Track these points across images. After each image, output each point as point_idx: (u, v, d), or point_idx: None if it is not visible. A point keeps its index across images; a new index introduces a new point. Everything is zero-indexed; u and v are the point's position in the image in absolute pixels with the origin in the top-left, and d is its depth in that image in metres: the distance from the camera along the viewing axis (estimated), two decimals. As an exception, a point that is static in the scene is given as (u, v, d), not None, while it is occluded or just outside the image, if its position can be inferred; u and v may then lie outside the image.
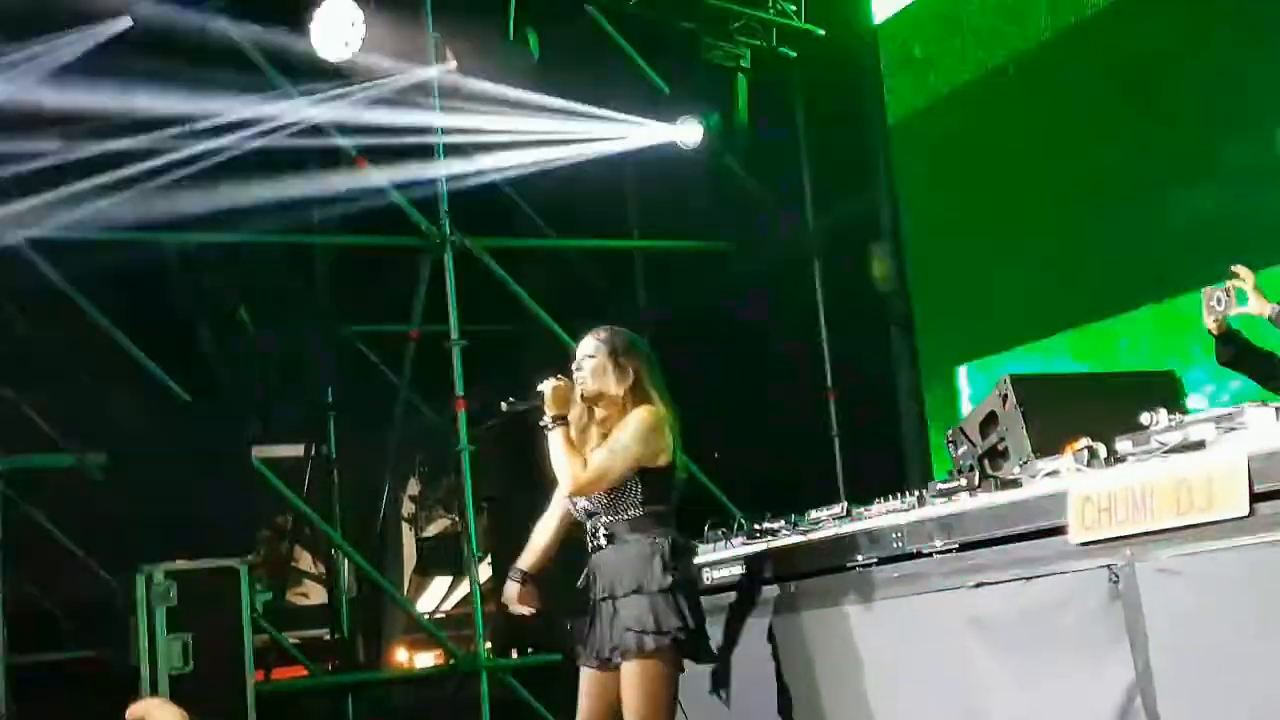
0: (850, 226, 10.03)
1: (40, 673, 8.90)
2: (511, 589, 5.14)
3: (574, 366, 5.01)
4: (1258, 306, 5.14)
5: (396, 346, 9.52)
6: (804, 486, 9.47)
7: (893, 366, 9.64)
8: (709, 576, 5.62)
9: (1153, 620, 3.81)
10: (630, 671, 4.73)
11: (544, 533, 5.21)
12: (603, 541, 4.89)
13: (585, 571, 5.01)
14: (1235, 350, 5.43)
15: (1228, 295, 5.19)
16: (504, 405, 5.07)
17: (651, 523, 4.85)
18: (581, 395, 4.95)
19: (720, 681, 5.47)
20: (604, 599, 4.85)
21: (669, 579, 4.74)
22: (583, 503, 4.93)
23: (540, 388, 4.87)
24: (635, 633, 4.71)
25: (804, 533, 5.31)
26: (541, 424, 4.83)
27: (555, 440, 4.81)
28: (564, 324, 9.95)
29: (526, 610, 5.13)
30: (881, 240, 9.61)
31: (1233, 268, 5.37)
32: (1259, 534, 3.53)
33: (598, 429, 4.97)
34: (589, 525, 4.96)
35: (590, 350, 5.00)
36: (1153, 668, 3.82)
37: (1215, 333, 5.34)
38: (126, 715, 2.54)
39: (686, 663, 4.91)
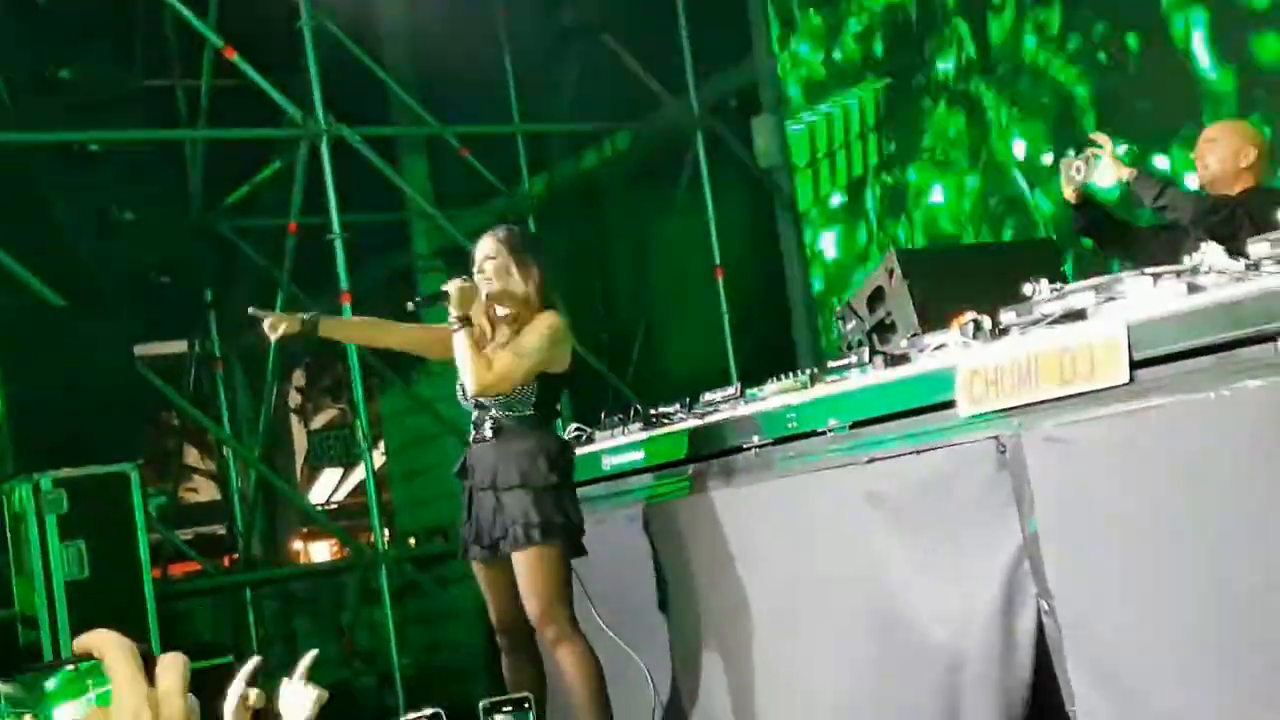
0: (733, 100, 9.99)
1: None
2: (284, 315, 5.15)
3: (475, 269, 4.99)
4: (1115, 172, 5.24)
5: (276, 241, 9.37)
6: (696, 368, 9.53)
7: (780, 243, 9.67)
8: (607, 463, 5.67)
9: (1039, 488, 3.91)
10: (521, 560, 4.82)
11: (370, 325, 5.58)
12: (489, 433, 4.93)
13: (461, 461, 5.06)
14: (1092, 219, 5.54)
15: (1086, 163, 5.27)
16: (410, 304, 5.04)
17: (539, 422, 4.92)
18: (486, 296, 4.95)
19: (617, 570, 5.54)
20: (484, 489, 4.91)
21: (554, 477, 4.83)
22: (475, 396, 4.95)
23: (445, 287, 4.84)
24: (521, 525, 4.80)
25: (699, 416, 5.36)
26: (447, 324, 4.81)
27: (459, 341, 4.80)
28: (446, 213, 9.87)
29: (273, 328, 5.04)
30: (763, 114, 9.58)
31: (1091, 135, 5.47)
32: (1138, 401, 3.64)
33: (507, 327, 4.97)
34: (476, 416, 4.99)
35: (490, 251, 4.97)
36: (1039, 533, 3.93)
37: (1074, 202, 5.44)
38: (74, 647, 2.51)
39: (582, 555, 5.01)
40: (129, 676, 1.09)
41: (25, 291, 7.07)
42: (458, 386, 5.08)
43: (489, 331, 5.02)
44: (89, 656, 1.11)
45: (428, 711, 2.46)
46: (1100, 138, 5.37)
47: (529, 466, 4.83)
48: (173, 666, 1.11)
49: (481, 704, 2.17)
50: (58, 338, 6.31)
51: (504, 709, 2.15)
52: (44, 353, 6.15)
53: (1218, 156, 5.28)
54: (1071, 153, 5.45)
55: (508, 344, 4.91)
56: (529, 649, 5.05)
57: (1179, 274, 3.66)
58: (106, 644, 1.10)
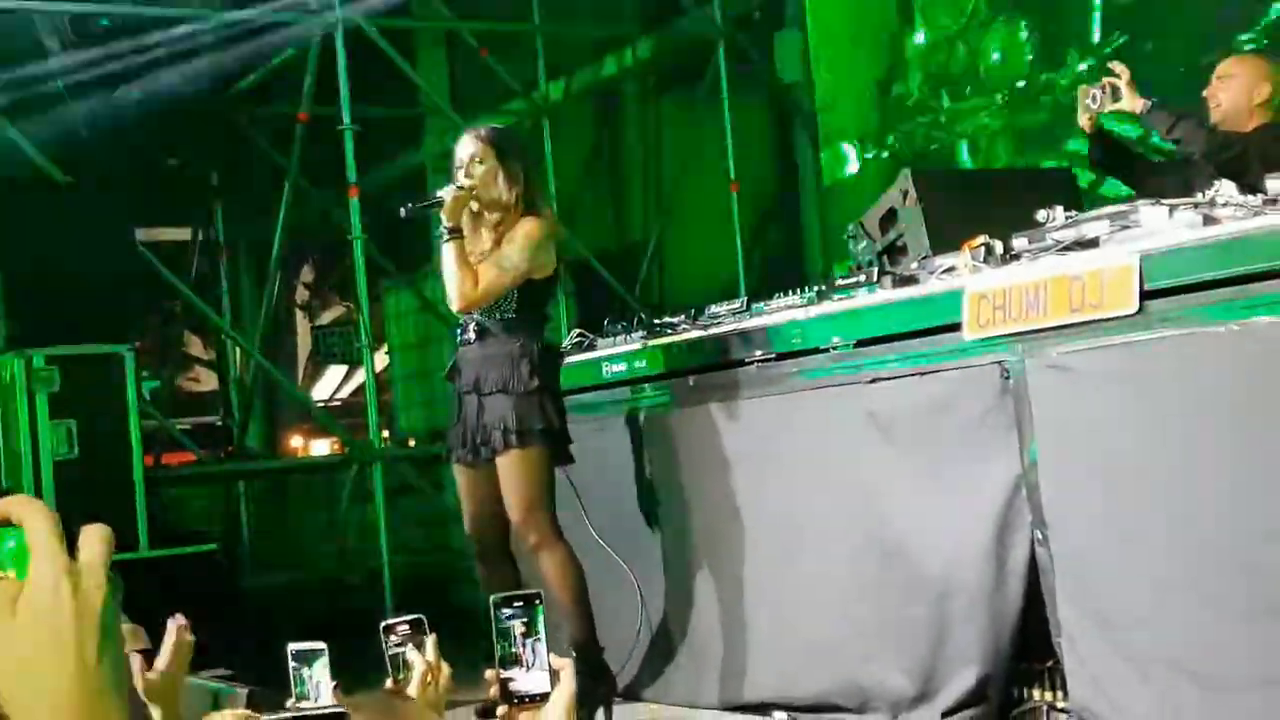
0: (757, 12, 9.83)
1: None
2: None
3: (459, 169, 4.89)
4: (1130, 102, 5.16)
5: (286, 129, 9.26)
6: (707, 282, 9.46)
7: (797, 159, 9.55)
8: (608, 370, 5.62)
9: (1041, 416, 3.86)
10: (504, 464, 4.80)
11: None
12: (472, 336, 4.90)
13: (451, 363, 5.02)
14: (1107, 149, 5.45)
15: (1103, 91, 5.20)
16: (403, 210, 4.95)
17: (523, 325, 4.86)
18: (480, 203, 4.87)
19: (613, 477, 5.51)
20: (468, 392, 4.88)
21: (535, 381, 4.77)
22: None
23: (439, 194, 4.75)
24: (501, 430, 4.76)
25: (704, 327, 5.31)
26: (437, 234, 4.73)
27: (448, 253, 4.74)
28: (461, 111, 9.75)
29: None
30: (786, 28, 9.43)
31: (1110, 64, 5.36)
32: (1146, 331, 3.57)
33: (488, 232, 4.89)
34: (462, 319, 4.94)
35: (478, 153, 4.88)
36: (1039, 463, 3.88)
37: (1089, 130, 5.35)
38: None
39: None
40: (49, 546, 1.02)
41: (28, 165, 7.00)
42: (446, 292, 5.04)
43: (479, 235, 4.94)
44: (6, 523, 1.04)
45: (409, 617, 2.40)
46: (1118, 66, 5.27)
47: (510, 371, 4.79)
48: (95, 538, 1.05)
49: (492, 598, 2.12)
50: (58, 214, 6.25)
51: (514, 603, 2.10)
52: (44, 228, 6.09)
53: (1230, 93, 5.17)
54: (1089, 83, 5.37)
55: (491, 250, 4.84)
56: (500, 557, 5.02)
57: (1195, 206, 3.58)
58: (27, 511, 1.03)
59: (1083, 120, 5.30)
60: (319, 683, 2.40)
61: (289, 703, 2.43)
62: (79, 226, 6.18)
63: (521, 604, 2.11)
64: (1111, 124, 5.57)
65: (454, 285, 4.75)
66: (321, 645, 2.43)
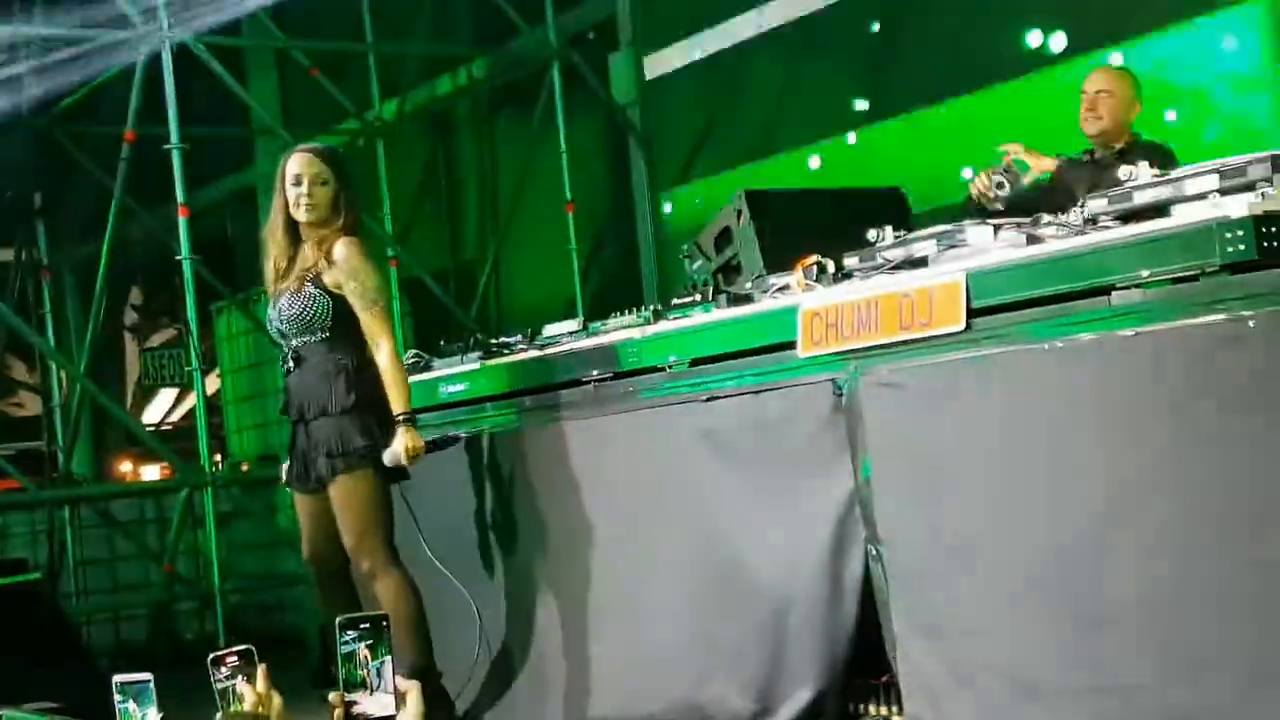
0: (591, 33, 9.88)
1: None
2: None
3: (295, 186, 4.81)
4: (1038, 165, 5.15)
5: (114, 149, 9.03)
6: (543, 303, 9.46)
7: (631, 180, 9.61)
8: (444, 391, 5.59)
9: (873, 432, 3.93)
10: (334, 489, 4.76)
11: None
12: (291, 364, 4.86)
13: (282, 396, 4.98)
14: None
15: (1008, 172, 5.04)
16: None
17: (338, 343, 4.79)
18: (308, 221, 4.81)
19: (450, 501, 5.46)
20: (297, 421, 4.86)
21: (352, 398, 4.72)
22: (275, 324, 4.86)
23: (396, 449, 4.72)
24: (327, 457, 4.73)
25: (540, 348, 5.30)
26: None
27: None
28: (292, 130, 9.62)
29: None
30: (621, 49, 9.49)
31: (998, 148, 5.28)
32: (973, 348, 3.66)
33: (312, 249, 4.82)
34: (283, 347, 4.90)
35: (322, 175, 4.82)
36: (872, 477, 3.94)
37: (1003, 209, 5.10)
38: None
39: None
40: None
41: None
42: (266, 317, 5.01)
43: (284, 258, 4.88)
44: None
45: (238, 648, 2.35)
46: (1008, 146, 5.20)
47: (327, 391, 4.74)
48: None
49: (337, 620, 2.09)
50: None
51: (360, 625, 2.07)
52: None
53: (1110, 110, 5.22)
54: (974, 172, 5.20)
55: (312, 267, 4.77)
56: (338, 583, 4.95)
57: (1019, 225, 3.68)
58: None
59: (996, 207, 4.98)
60: (145, 715, 2.34)
61: None
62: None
63: (368, 626, 2.08)
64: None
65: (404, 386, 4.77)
66: (148, 676, 2.37)
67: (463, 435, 5.38)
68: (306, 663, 6.16)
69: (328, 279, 4.76)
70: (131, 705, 2.37)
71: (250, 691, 2.29)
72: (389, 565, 4.79)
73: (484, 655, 5.33)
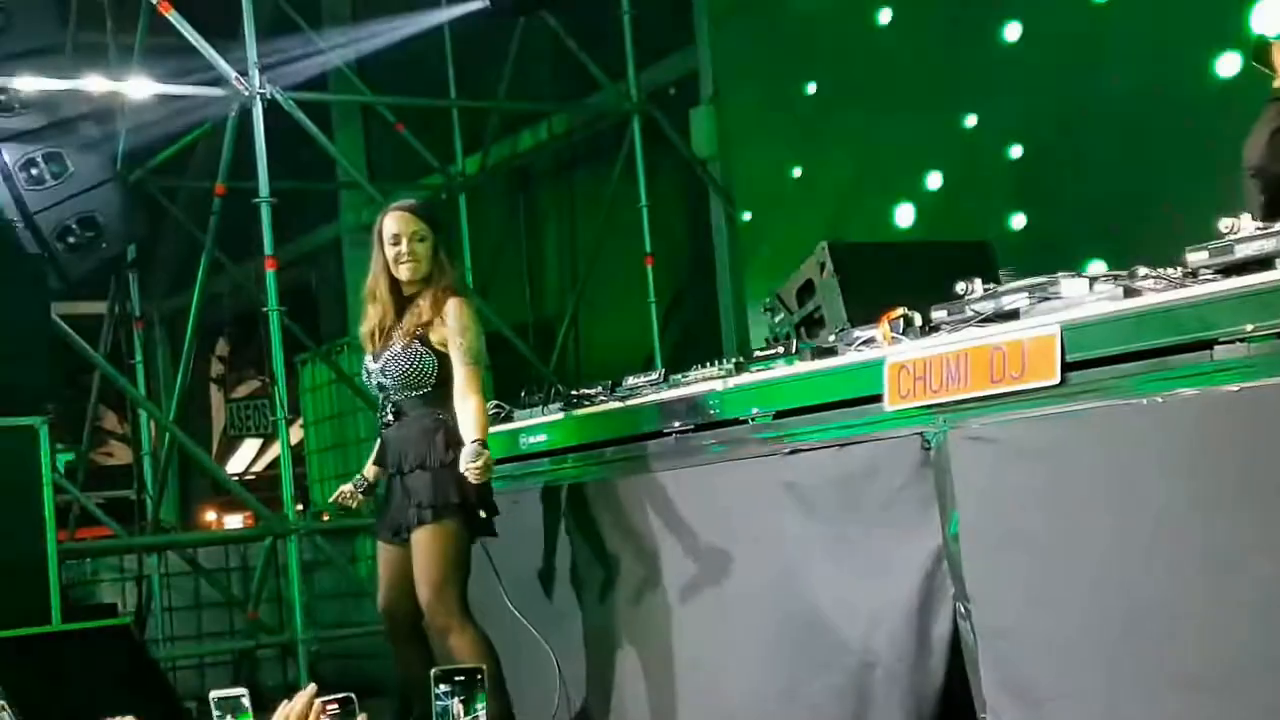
0: (672, 89, 9.94)
1: None
2: (347, 488, 5.14)
3: (394, 245, 4.89)
4: None
5: (204, 202, 9.20)
6: (622, 355, 9.48)
7: (710, 233, 9.63)
8: (524, 442, 5.60)
9: (962, 487, 3.87)
10: (417, 540, 4.79)
11: None
12: (390, 418, 4.93)
13: (376, 448, 5.04)
14: None
15: None
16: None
17: (438, 399, 4.85)
18: (408, 278, 4.90)
19: (529, 551, 5.47)
20: (393, 474, 4.91)
21: (451, 454, 4.77)
22: (376, 377, 4.91)
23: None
24: (417, 508, 4.77)
25: (621, 399, 5.30)
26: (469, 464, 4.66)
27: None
28: (378, 184, 9.75)
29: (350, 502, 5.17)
30: (703, 104, 9.53)
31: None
32: (1067, 403, 3.60)
33: (424, 304, 4.88)
34: (380, 399, 4.97)
35: (421, 232, 4.90)
36: (960, 534, 3.89)
37: None
38: None
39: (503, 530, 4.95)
40: None
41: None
42: (363, 369, 5.07)
43: (385, 313, 4.93)
44: None
45: (339, 695, 2.38)
46: None
47: (427, 447, 4.81)
48: None
49: (431, 672, 2.10)
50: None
51: (454, 679, 2.08)
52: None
53: None
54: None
55: (416, 330, 4.84)
56: (411, 634, 4.98)
57: (1115, 279, 3.63)
58: None
59: None
60: None
61: None
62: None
63: (461, 680, 2.09)
64: None
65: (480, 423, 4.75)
66: (243, 690, 2.43)
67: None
68: (387, 712, 6.18)
69: (434, 336, 4.85)
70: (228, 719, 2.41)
71: None
72: (463, 620, 4.81)
73: (563, 708, 5.32)
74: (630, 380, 5.39)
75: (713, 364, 5.02)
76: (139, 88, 8.59)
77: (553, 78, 10.63)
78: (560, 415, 5.52)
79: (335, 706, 2.33)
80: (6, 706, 2.92)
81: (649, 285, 9.56)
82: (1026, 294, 3.86)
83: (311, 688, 2.39)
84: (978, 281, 4.11)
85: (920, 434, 3.99)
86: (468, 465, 4.61)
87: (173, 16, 7.92)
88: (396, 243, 4.89)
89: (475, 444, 4.66)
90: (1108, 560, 3.52)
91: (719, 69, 9.42)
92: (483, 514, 4.84)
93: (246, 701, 2.42)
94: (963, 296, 4.10)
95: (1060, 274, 3.85)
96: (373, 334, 4.98)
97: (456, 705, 2.12)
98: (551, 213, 11.30)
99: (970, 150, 7.71)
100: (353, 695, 2.35)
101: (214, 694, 2.46)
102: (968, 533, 3.87)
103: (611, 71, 9.75)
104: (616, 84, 9.75)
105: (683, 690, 4.88)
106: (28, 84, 7.94)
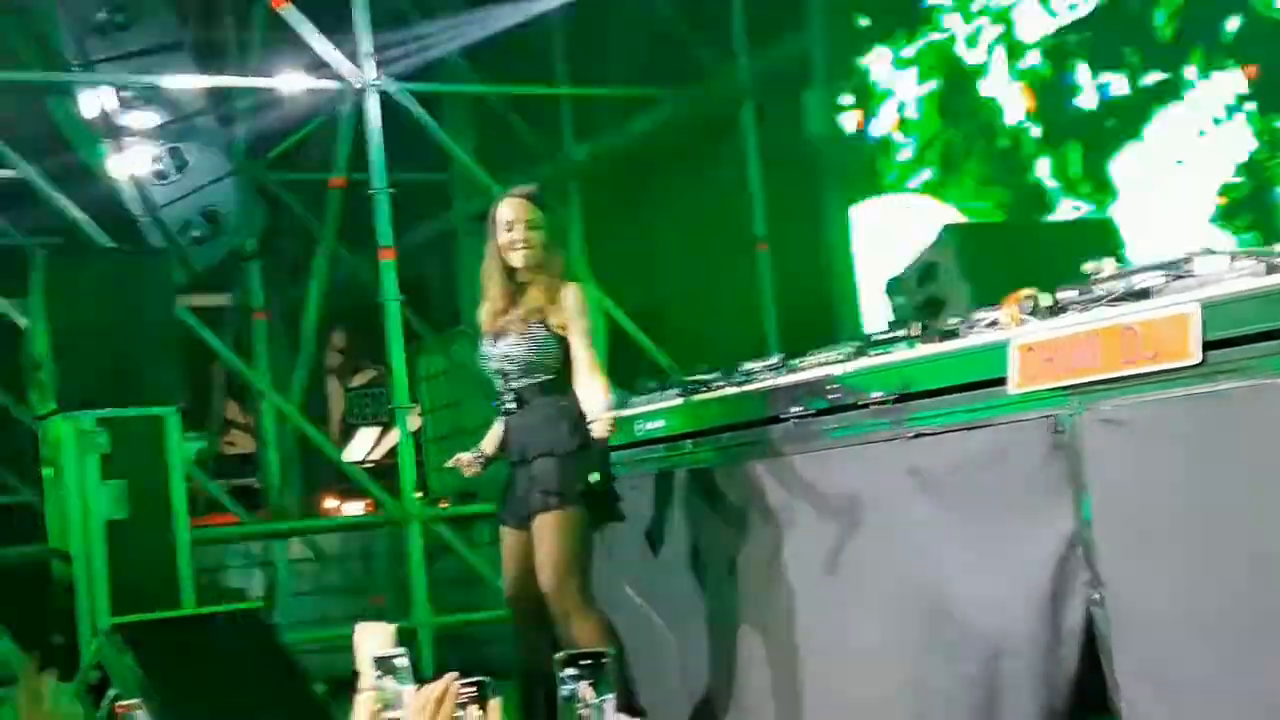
0: (783, 70, 9.87)
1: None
2: (465, 456, 5.11)
3: (509, 231, 4.91)
4: None
5: (320, 194, 9.33)
6: (734, 341, 9.44)
7: (823, 216, 9.55)
8: (641, 428, 5.60)
9: (1095, 471, 3.78)
10: (541, 525, 4.79)
11: None
12: (513, 405, 4.92)
13: (493, 432, 5.05)
14: None
15: None
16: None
17: (560, 385, 4.86)
18: (524, 265, 4.91)
19: (653, 534, 5.47)
20: (518, 462, 4.90)
21: (577, 440, 4.77)
22: (497, 363, 4.90)
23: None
24: (542, 493, 4.77)
25: (738, 384, 5.27)
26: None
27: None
28: (489, 173, 9.80)
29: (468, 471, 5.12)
30: (815, 86, 9.45)
31: None
32: (1207, 383, 3.49)
33: (537, 293, 4.88)
34: (500, 386, 4.95)
35: (535, 219, 4.91)
36: (1093, 519, 3.81)
37: None
38: None
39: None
40: None
41: (75, 231, 7.09)
42: (479, 354, 5.07)
43: (502, 299, 4.95)
44: None
45: (476, 678, 2.41)
46: None
47: (552, 433, 4.80)
48: None
49: (557, 657, 2.12)
50: (104, 278, 6.30)
51: (580, 663, 2.09)
52: (90, 293, 6.14)
53: None
54: None
55: (535, 315, 4.85)
56: (537, 621, 4.98)
57: (1256, 256, 3.52)
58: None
59: None
60: (402, 690, 2.46)
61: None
62: (122, 289, 6.21)
63: (588, 664, 2.09)
64: None
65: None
66: (403, 650, 2.50)
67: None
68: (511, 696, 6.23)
69: (554, 321, 4.84)
70: (389, 681, 2.44)
71: None
72: (586, 606, 4.81)
73: (683, 694, 5.31)
74: (747, 365, 5.37)
75: (831, 348, 4.98)
76: (256, 82, 8.71)
77: (663, 62, 10.59)
78: (677, 401, 5.51)
79: (471, 689, 2.35)
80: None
81: (762, 270, 9.50)
82: (1159, 272, 3.76)
83: (452, 675, 2.41)
84: (1108, 260, 4.03)
85: (1051, 417, 3.91)
86: (605, 418, 4.59)
87: (288, 12, 8.02)
88: (510, 229, 4.91)
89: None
90: (1248, 545, 3.42)
91: (831, 49, 9.33)
92: (604, 500, 4.84)
93: (405, 662, 2.46)
94: (1091, 276, 4.02)
95: (1194, 251, 3.75)
96: (490, 319, 5.01)
97: (583, 688, 2.12)
98: (662, 198, 11.27)
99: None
100: (487, 679, 2.37)
101: (375, 654, 2.51)
102: (1101, 517, 3.78)
103: (722, 54, 9.69)
104: (727, 66, 9.69)
105: (804, 677, 4.84)
106: (149, 81, 8.09)
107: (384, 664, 2.51)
